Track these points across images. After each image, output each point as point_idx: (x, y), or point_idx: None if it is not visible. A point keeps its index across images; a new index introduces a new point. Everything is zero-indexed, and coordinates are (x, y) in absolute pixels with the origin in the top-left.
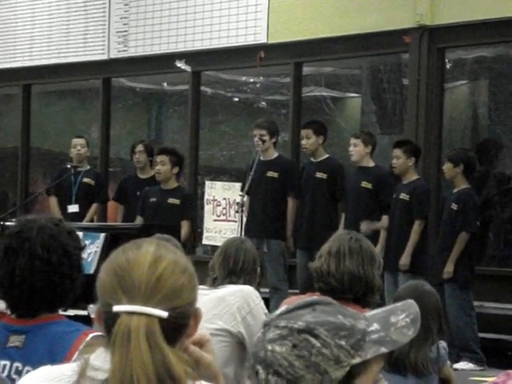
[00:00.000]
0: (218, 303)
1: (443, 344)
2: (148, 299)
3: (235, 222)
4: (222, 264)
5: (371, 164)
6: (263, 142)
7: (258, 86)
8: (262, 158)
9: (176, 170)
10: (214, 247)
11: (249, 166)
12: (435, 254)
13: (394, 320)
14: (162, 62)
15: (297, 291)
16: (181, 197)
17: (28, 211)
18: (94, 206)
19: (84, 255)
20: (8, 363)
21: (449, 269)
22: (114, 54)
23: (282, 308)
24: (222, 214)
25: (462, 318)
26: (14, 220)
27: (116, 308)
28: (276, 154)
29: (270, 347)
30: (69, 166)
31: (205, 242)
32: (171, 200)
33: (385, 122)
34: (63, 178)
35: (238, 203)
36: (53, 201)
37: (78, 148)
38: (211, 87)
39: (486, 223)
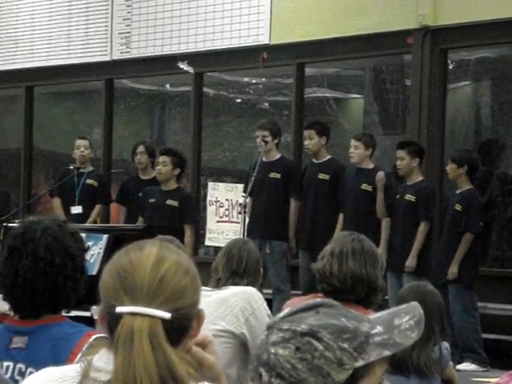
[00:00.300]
0: (221, 304)
1: (446, 345)
2: (151, 300)
3: (238, 223)
4: (226, 265)
5: (371, 166)
6: (265, 143)
7: (260, 87)
8: (264, 159)
9: (177, 171)
10: (217, 248)
11: (251, 167)
12: (439, 254)
13: (398, 322)
14: (165, 64)
15: (299, 292)
16: (180, 198)
17: (31, 212)
18: (97, 208)
19: (87, 257)
20: (11, 364)
21: (453, 270)
22: (116, 56)
23: (285, 310)
24: (225, 215)
25: (465, 318)
26: (16, 221)
27: (119, 309)
28: (278, 155)
29: (273, 350)
30: (72, 168)
31: (207, 243)
32: (170, 201)
33: (387, 123)
34: (66, 180)
35: (240, 204)
36: (56, 202)
37: (82, 149)
38: (214, 88)
39: (488, 224)
